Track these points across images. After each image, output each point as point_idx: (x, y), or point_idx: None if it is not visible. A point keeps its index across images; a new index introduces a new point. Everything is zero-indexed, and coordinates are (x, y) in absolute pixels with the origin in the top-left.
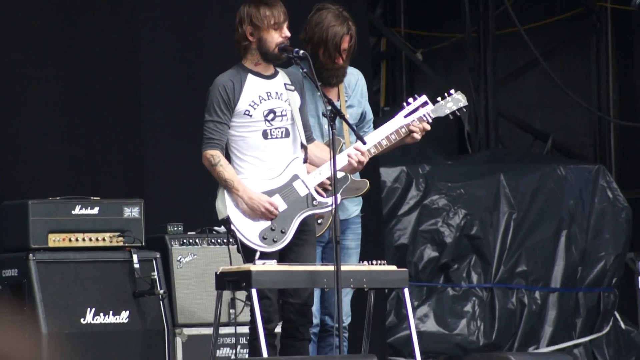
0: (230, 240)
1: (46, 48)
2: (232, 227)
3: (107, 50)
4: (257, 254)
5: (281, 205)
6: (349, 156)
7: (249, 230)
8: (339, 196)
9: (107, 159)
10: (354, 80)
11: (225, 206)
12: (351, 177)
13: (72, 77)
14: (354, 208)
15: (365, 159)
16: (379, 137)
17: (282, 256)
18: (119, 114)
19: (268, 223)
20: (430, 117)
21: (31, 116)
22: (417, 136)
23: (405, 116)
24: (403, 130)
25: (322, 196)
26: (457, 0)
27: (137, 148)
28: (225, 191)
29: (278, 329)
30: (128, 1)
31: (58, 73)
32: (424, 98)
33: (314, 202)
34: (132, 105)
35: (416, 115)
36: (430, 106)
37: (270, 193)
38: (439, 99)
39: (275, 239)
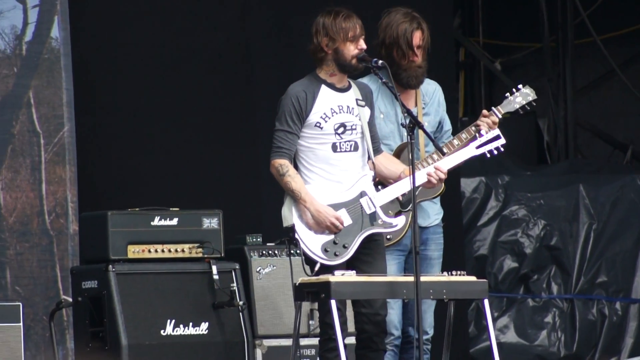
0: (294, 250)
1: (135, 58)
2: (296, 236)
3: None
4: (317, 266)
5: (346, 220)
6: (429, 175)
7: (312, 241)
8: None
9: (187, 170)
10: (432, 89)
11: (292, 214)
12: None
13: (158, 89)
14: (434, 216)
15: (444, 177)
16: (450, 164)
17: (350, 267)
18: (199, 127)
19: (331, 236)
20: (500, 112)
21: (112, 127)
22: (492, 128)
23: (477, 147)
24: (473, 129)
25: (389, 216)
26: (535, 10)
27: (215, 159)
28: (292, 200)
29: (348, 340)
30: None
31: (144, 85)
32: (496, 131)
33: (380, 221)
34: (216, 117)
35: (487, 147)
36: (502, 140)
37: (336, 207)
38: (507, 94)
39: (337, 253)
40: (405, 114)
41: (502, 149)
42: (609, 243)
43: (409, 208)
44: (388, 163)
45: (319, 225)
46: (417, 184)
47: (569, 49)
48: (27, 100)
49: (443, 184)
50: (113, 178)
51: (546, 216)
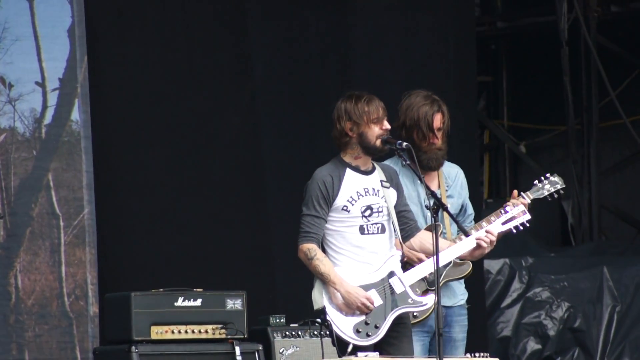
0: (324, 331)
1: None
2: (327, 318)
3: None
4: (350, 347)
5: (377, 300)
6: (478, 239)
7: (344, 323)
8: (441, 281)
9: (209, 250)
10: (454, 172)
11: (322, 297)
12: (454, 260)
13: (178, 169)
14: (460, 296)
15: (495, 239)
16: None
17: (378, 351)
18: (222, 208)
19: (363, 317)
20: (529, 197)
21: (136, 208)
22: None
23: (503, 223)
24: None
25: (418, 295)
26: (560, 93)
27: (238, 241)
28: (322, 282)
29: None
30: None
31: (163, 167)
32: (521, 207)
33: (409, 300)
34: (240, 195)
35: (514, 223)
36: (527, 216)
37: (366, 287)
38: (536, 181)
39: (369, 334)
40: (429, 195)
41: (527, 225)
42: (632, 325)
43: (435, 287)
44: (427, 237)
45: (350, 307)
46: (466, 249)
47: (594, 132)
48: (46, 182)
49: (471, 266)
50: (133, 259)
51: (570, 298)
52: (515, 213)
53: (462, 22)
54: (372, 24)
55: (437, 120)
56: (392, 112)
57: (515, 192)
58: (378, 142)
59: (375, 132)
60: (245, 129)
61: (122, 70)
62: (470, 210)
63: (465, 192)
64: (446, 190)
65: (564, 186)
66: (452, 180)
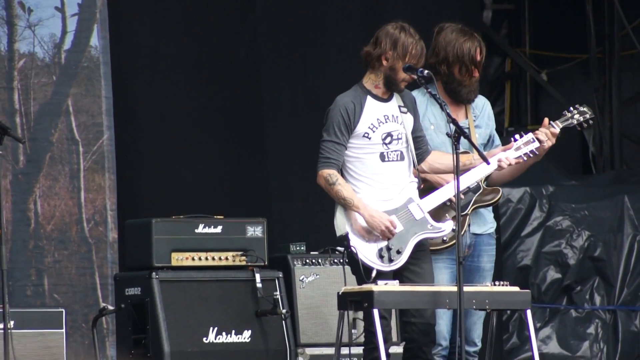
0: (345, 257)
1: (175, 67)
2: (351, 244)
3: (233, 71)
4: (374, 272)
5: (398, 226)
6: (500, 160)
7: (366, 249)
8: (470, 207)
9: (231, 178)
10: (481, 103)
11: (344, 223)
12: (483, 185)
13: (197, 98)
14: (490, 223)
15: (514, 162)
16: (493, 166)
17: (398, 277)
18: (243, 135)
19: (385, 242)
20: (558, 126)
21: (156, 135)
22: (549, 143)
23: (515, 150)
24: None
25: (437, 221)
26: (582, 21)
27: (260, 168)
28: (343, 209)
29: (393, 350)
30: (251, 23)
31: (183, 94)
32: (530, 135)
33: (429, 226)
34: (256, 126)
35: (524, 150)
36: (536, 143)
37: (387, 213)
38: (565, 112)
39: (392, 259)
40: (450, 123)
41: (536, 152)
42: None
43: (464, 212)
44: (441, 158)
45: (374, 230)
46: (483, 174)
47: (616, 60)
48: (65, 108)
49: (501, 192)
50: (152, 186)
51: (590, 227)
52: (527, 139)
53: None
54: None
55: (479, 54)
56: None
57: (547, 120)
58: (402, 84)
59: (405, 74)
60: (249, 61)
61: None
62: (497, 141)
63: (492, 123)
64: (474, 121)
65: (593, 116)
66: (480, 111)
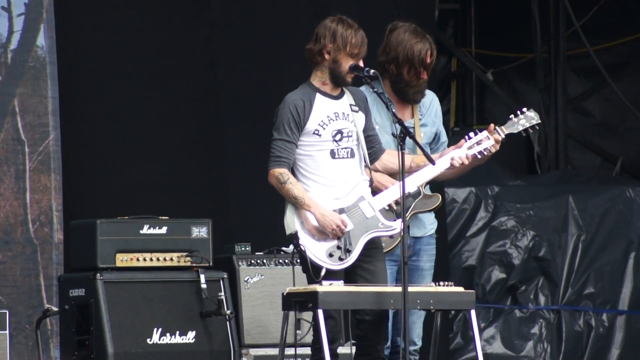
0: (296, 256)
1: (124, 66)
2: (300, 243)
3: (188, 69)
4: (323, 271)
5: (348, 224)
6: (452, 159)
7: (316, 248)
8: (410, 212)
9: (175, 178)
10: (428, 100)
11: (294, 222)
12: (423, 191)
13: (149, 98)
14: (430, 226)
15: (467, 161)
16: (443, 167)
17: (351, 275)
18: (196, 134)
19: (334, 241)
20: (503, 132)
21: (105, 135)
22: (493, 149)
23: (469, 148)
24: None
25: (388, 220)
26: (528, 21)
27: (206, 168)
28: (293, 207)
29: (341, 350)
30: (207, 20)
31: (133, 93)
32: (485, 133)
33: (380, 225)
34: (211, 125)
35: (478, 148)
36: (491, 141)
37: (337, 212)
38: (511, 116)
39: (341, 257)
40: (396, 123)
41: (492, 150)
42: (597, 254)
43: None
44: (394, 157)
45: (324, 229)
46: (440, 169)
47: (561, 60)
48: (12, 108)
49: (440, 198)
50: (98, 187)
51: (535, 227)
52: (480, 138)
53: None
54: None
55: (428, 57)
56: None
57: (492, 125)
58: (348, 76)
59: (349, 64)
60: (205, 59)
61: None
62: (443, 137)
63: (438, 120)
64: (420, 119)
65: (540, 122)
66: (426, 109)
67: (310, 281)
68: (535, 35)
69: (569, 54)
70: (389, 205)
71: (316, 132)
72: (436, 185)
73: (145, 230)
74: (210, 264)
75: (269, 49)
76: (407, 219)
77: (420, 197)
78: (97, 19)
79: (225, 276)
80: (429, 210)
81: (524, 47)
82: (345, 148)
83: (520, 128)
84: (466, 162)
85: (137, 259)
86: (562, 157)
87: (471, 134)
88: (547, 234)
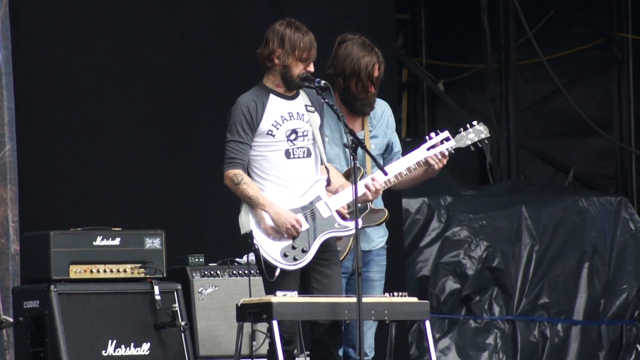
0: (253, 270)
1: (80, 75)
2: (255, 242)
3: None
4: (277, 271)
5: (304, 224)
6: (366, 186)
7: (271, 247)
8: (359, 223)
9: (129, 189)
10: (380, 110)
11: (249, 221)
12: (370, 205)
13: (101, 107)
14: (378, 239)
15: (380, 188)
16: (399, 168)
17: (307, 277)
18: (147, 145)
19: (289, 241)
20: (451, 147)
21: (54, 147)
22: (436, 167)
23: (428, 149)
24: (422, 162)
25: (345, 219)
26: (478, 31)
27: (158, 178)
28: (248, 207)
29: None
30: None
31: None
32: (446, 133)
33: (336, 225)
34: (158, 137)
35: (438, 149)
36: (452, 142)
37: (293, 212)
38: (460, 129)
39: (296, 257)
40: (348, 134)
41: (453, 152)
42: (550, 264)
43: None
44: (330, 175)
45: (279, 229)
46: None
47: (512, 70)
48: None
49: (387, 213)
50: (55, 198)
51: (488, 237)
52: (441, 138)
53: None
54: None
55: (376, 70)
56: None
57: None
58: (298, 80)
59: (299, 69)
60: (172, 62)
61: (42, 3)
62: (397, 147)
63: (391, 130)
64: (370, 131)
65: (489, 135)
66: (377, 120)
67: (265, 281)
68: (486, 45)
69: (521, 64)
70: (340, 214)
71: (270, 132)
72: (394, 194)
73: (99, 241)
74: (164, 275)
75: (235, 53)
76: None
77: (367, 211)
78: (53, 28)
79: (179, 287)
80: (376, 225)
81: (475, 57)
82: (301, 147)
83: (469, 142)
84: (380, 189)
85: (91, 271)
86: (515, 167)
87: (432, 134)
88: (501, 244)
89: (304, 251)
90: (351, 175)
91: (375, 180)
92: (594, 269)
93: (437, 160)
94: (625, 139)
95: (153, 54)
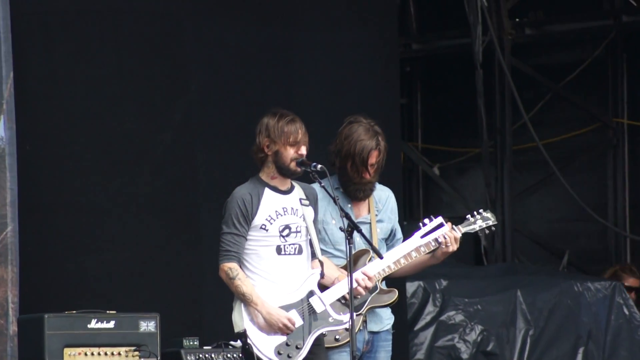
0: (242, 357)
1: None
2: (249, 341)
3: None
4: None
5: (297, 320)
6: (356, 280)
7: (265, 345)
8: (366, 307)
9: (125, 272)
10: (385, 196)
11: (242, 319)
12: (380, 285)
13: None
14: (386, 321)
15: (371, 284)
16: (396, 256)
17: None
18: (140, 229)
19: (283, 338)
20: (460, 230)
21: (54, 228)
22: (451, 247)
23: (422, 237)
24: (423, 249)
25: (339, 314)
26: (473, 115)
27: (154, 261)
28: (242, 304)
29: None
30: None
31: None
32: (439, 220)
33: (330, 319)
34: (153, 219)
35: (433, 236)
36: (446, 228)
37: (286, 308)
38: (468, 216)
39: (290, 355)
40: (343, 217)
41: (446, 238)
42: (545, 349)
43: (360, 312)
44: (325, 268)
45: (272, 327)
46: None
47: (507, 154)
48: None
49: (397, 293)
50: (53, 280)
51: (483, 321)
52: (434, 225)
53: (386, 43)
54: (306, 40)
55: (373, 157)
56: (314, 131)
57: (450, 224)
58: (292, 164)
59: (290, 154)
60: (178, 145)
61: (49, 86)
62: (399, 234)
63: (395, 216)
64: (376, 215)
65: (496, 222)
66: (383, 205)
67: None
68: (482, 130)
69: (516, 149)
70: (344, 297)
71: (263, 226)
72: (397, 281)
73: (93, 324)
74: (159, 358)
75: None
76: (364, 312)
77: (377, 291)
78: (58, 108)
79: None
80: (386, 305)
81: (470, 142)
82: (293, 244)
83: (477, 228)
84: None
85: (85, 354)
86: (509, 250)
87: (426, 220)
88: (495, 329)
89: (298, 348)
90: (361, 256)
91: (366, 274)
92: (589, 354)
93: (451, 242)
94: (620, 223)
95: (158, 137)
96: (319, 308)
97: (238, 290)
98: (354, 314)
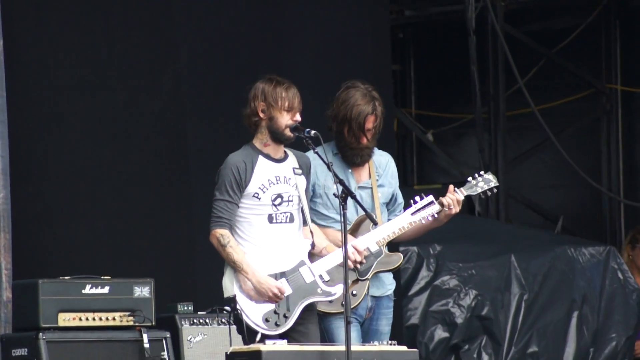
0: (231, 320)
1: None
2: (237, 306)
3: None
4: (259, 336)
5: (287, 289)
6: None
7: (253, 312)
8: (371, 271)
9: (119, 238)
10: (384, 161)
11: (233, 285)
12: (385, 250)
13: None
14: (389, 286)
15: (360, 258)
16: (387, 231)
17: (285, 335)
18: (133, 196)
19: (272, 306)
20: (463, 193)
21: (46, 195)
22: (454, 210)
23: (412, 214)
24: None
25: (328, 285)
26: (467, 81)
27: (148, 227)
28: (233, 270)
29: None
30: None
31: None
32: (430, 198)
33: (319, 290)
34: (151, 186)
35: (423, 214)
36: (436, 207)
37: (276, 276)
38: (469, 178)
39: (277, 323)
40: (337, 183)
41: (436, 215)
42: (540, 314)
43: (365, 277)
44: (318, 237)
45: (261, 296)
46: (339, 261)
47: (501, 120)
48: None
49: (401, 257)
50: (47, 246)
51: (477, 286)
52: (425, 203)
53: (377, 8)
54: (296, 6)
55: (370, 122)
56: (305, 99)
57: (452, 187)
58: (287, 130)
59: (285, 120)
60: (168, 116)
61: (39, 55)
62: (400, 199)
63: (395, 181)
64: (377, 180)
65: (497, 184)
66: (383, 170)
67: (246, 344)
68: (475, 96)
69: (509, 115)
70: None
71: (256, 195)
72: (392, 245)
73: (88, 290)
74: (153, 323)
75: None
76: (369, 278)
77: (382, 256)
78: (49, 77)
79: (168, 336)
80: (391, 269)
81: (464, 108)
82: (285, 213)
83: (479, 190)
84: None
85: (80, 319)
86: (503, 216)
87: (417, 198)
88: (490, 293)
89: (285, 317)
90: (363, 221)
91: (356, 249)
92: (583, 318)
93: (454, 205)
94: (614, 188)
95: (148, 106)
96: (308, 278)
97: (229, 258)
98: (360, 279)
